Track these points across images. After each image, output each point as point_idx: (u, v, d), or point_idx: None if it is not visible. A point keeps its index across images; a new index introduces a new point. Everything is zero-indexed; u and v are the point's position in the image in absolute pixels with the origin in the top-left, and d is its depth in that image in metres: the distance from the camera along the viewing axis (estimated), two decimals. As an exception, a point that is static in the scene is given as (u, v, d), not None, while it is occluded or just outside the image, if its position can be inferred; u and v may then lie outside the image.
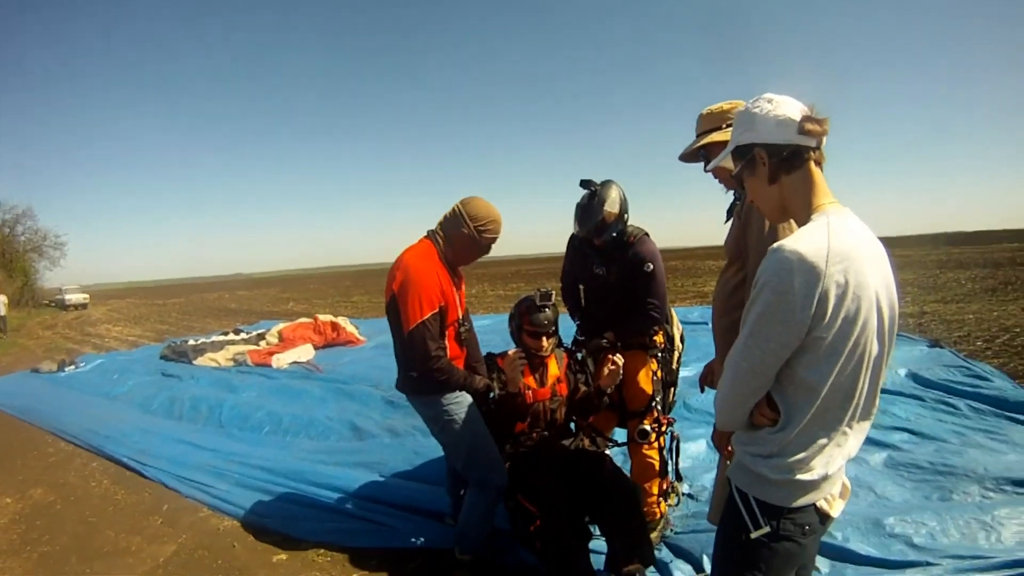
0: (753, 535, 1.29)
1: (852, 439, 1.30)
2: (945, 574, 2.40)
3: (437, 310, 2.41)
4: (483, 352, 2.92)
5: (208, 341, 9.71)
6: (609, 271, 2.95)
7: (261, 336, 9.85)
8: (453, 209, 2.54)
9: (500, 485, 2.54)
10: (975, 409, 4.31)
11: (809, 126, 1.25)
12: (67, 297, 31.97)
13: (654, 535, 2.79)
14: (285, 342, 9.12)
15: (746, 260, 1.86)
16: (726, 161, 1.45)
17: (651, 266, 2.86)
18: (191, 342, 9.74)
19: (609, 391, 2.76)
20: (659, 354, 2.97)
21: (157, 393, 6.58)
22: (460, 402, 2.53)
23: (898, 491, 3.17)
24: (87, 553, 3.23)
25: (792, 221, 1.43)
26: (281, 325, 10.29)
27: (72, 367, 8.72)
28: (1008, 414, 4.19)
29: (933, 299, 11.55)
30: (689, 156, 2.15)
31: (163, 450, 4.60)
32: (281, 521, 3.32)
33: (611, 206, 2.77)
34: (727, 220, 2.06)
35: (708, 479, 3.38)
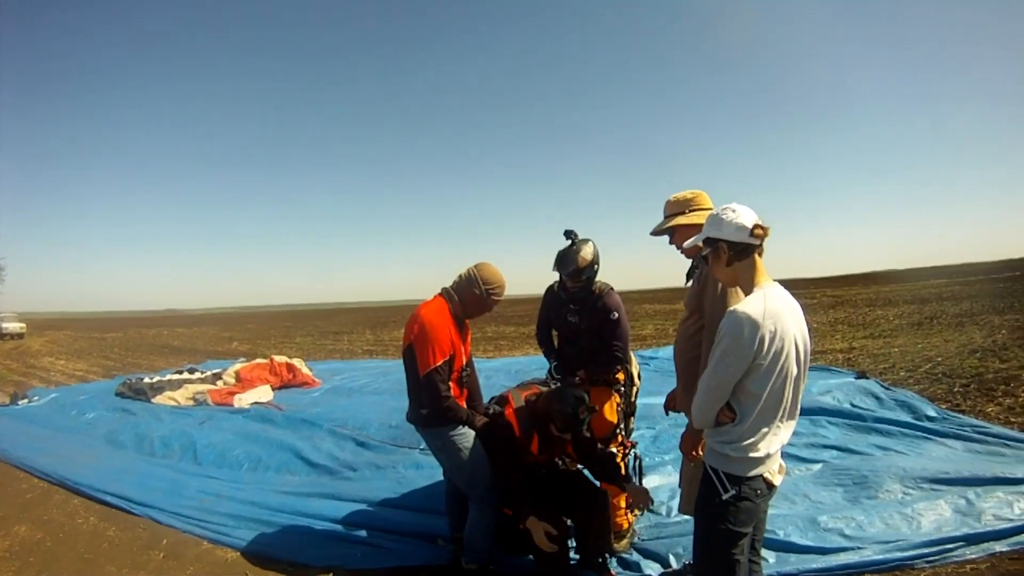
0: (724, 497, 1.93)
1: (784, 431, 1.98)
2: (873, 555, 2.98)
3: (448, 358, 2.91)
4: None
5: (165, 379, 9.54)
6: (581, 319, 3.48)
7: (218, 376, 9.76)
8: (468, 272, 3.07)
9: (498, 502, 2.96)
10: (895, 429, 4.95)
11: (757, 232, 1.94)
12: (4, 326, 29.45)
13: (624, 543, 3.29)
14: (244, 382, 9.10)
15: (703, 313, 2.46)
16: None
17: (616, 315, 3.40)
18: (147, 380, 9.52)
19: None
20: (621, 389, 3.50)
21: (122, 430, 6.47)
22: (464, 434, 3.00)
23: (830, 495, 3.73)
24: (92, 589, 3.19)
25: (739, 288, 2.08)
26: (238, 365, 10.21)
27: (26, 400, 8.43)
28: (924, 427, 4.86)
29: (862, 335, 12.52)
30: (658, 232, 2.76)
31: (147, 487, 4.60)
32: (285, 550, 3.51)
33: (586, 254, 3.33)
34: (687, 282, 2.68)
35: (664, 495, 3.90)
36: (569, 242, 3.37)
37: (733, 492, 1.91)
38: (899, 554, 2.96)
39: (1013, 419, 5.24)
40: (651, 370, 8.88)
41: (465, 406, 3.12)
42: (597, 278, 3.47)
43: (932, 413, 5.28)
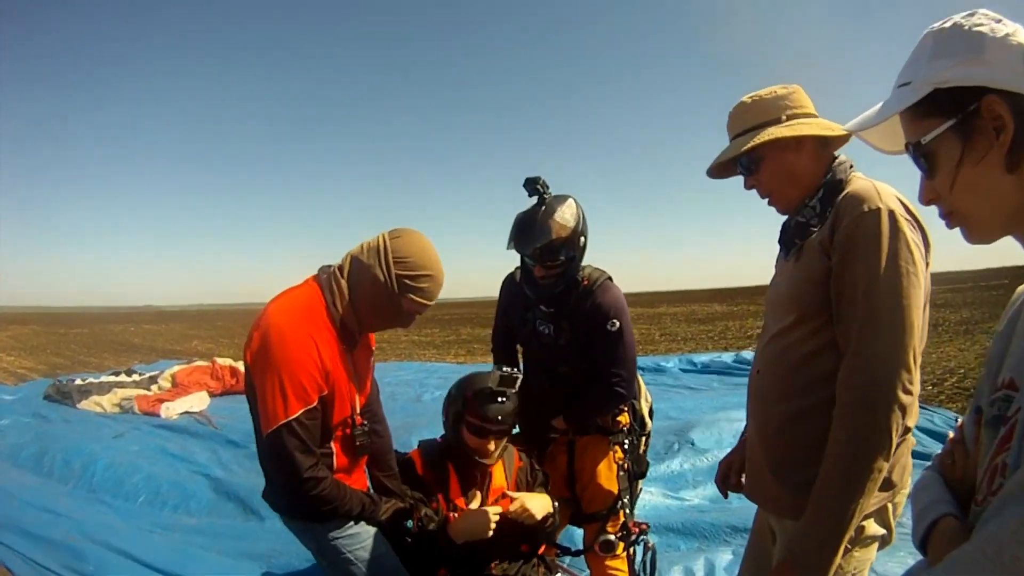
0: None
1: None
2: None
3: (315, 404, 1.58)
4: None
5: (96, 382, 8.58)
6: (558, 330, 2.22)
7: (153, 379, 8.77)
8: (374, 242, 1.70)
9: None
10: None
11: None
12: None
13: None
14: (178, 388, 8.11)
15: (832, 315, 1.29)
16: (889, 129, 0.85)
17: (617, 323, 2.13)
18: (77, 382, 8.59)
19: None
20: (625, 441, 2.28)
21: (30, 443, 5.57)
22: (355, 535, 1.76)
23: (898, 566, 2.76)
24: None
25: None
26: (176, 368, 9.16)
27: (-55, 405, 7.40)
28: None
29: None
30: (722, 167, 1.50)
31: (19, 521, 3.68)
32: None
33: (564, 218, 2.00)
34: (787, 255, 1.45)
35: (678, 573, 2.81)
36: (535, 199, 2.08)
37: None
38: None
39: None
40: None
41: (367, 479, 1.91)
42: (584, 260, 2.19)
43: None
